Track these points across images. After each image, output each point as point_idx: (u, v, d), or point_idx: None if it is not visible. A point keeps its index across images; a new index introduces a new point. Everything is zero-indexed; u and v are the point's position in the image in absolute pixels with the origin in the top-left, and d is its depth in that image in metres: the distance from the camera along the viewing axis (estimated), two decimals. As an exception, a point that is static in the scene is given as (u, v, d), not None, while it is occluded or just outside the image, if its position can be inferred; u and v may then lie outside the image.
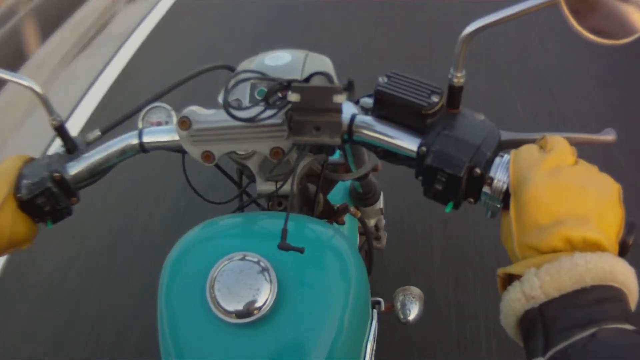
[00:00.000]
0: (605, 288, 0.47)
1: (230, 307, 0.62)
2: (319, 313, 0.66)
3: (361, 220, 1.15)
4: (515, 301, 0.50)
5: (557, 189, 0.52)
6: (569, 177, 0.53)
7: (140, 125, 0.80)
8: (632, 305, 0.49)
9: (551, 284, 0.47)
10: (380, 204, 1.46)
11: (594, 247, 0.49)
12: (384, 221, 1.60)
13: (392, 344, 1.62)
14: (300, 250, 0.63)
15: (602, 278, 0.47)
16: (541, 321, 0.47)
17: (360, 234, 1.32)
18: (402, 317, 1.17)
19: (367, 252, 1.21)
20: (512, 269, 0.52)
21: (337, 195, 1.35)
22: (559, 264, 0.47)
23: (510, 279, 0.53)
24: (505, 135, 0.62)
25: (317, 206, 0.95)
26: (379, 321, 0.91)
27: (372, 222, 1.51)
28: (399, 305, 1.18)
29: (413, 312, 1.18)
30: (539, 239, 0.51)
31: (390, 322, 1.21)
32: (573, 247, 0.49)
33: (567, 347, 0.44)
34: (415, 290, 1.20)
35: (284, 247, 0.62)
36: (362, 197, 1.38)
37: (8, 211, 0.67)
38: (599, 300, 0.46)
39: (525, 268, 0.50)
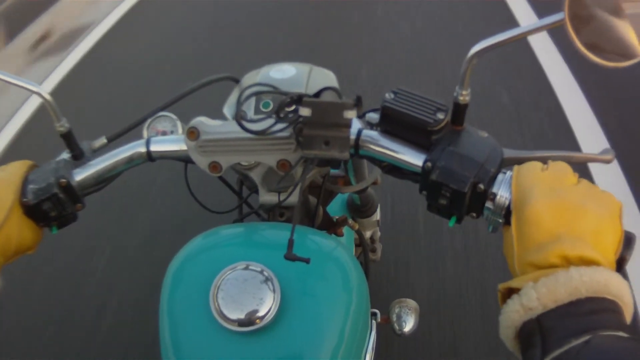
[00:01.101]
0: (599, 300, 0.49)
1: (233, 316, 0.62)
2: (320, 323, 0.67)
3: (358, 232, 1.16)
4: (514, 313, 0.52)
5: (558, 208, 0.54)
6: (570, 195, 0.54)
7: (145, 134, 0.80)
8: (628, 317, 0.50)
9: (548, 295, 0.49)
10: (377, 215, 1.47)
11: (589, 263, 0.51)
12: (379, 233, 1.62)
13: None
14: (307, 261, 0.63)
15: (597, 290, 0.49)
16: (539, 331, 0.49)
17: (356, 245, 1.33)
18: (397, 328, 1.19)
19: (363, 264, 1.22)
20: (512, 283, 0.54)
21: (335, 206, 1.36)
22: (555, 277, 0.50)
23: (510, 293, 0.54)
24: (508, 153, 0.63)
25: (317, 218, 0.96)
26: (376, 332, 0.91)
27: (368, 234, 1.52)
28: (394, 317, 1.20)
29: (408, 324, 1.19)
30: (537, 256, 0.53)
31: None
32: (570, 264, 0.51)
33: (562, 353, 0.46)
34: (411, 303, 1.21)
35: (290, 257, 0.63)
36: (360, 209, 1.40)
37: (15, 218, 0.67)
38: (594, 310, 0.48)
39: (524, 282, 0.52)
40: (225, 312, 0.63)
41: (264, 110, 0.74)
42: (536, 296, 0.50)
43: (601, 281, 0.49)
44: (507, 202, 0.58)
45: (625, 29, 0.56)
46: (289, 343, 0.65)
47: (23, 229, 0.69)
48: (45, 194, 0.69)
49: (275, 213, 0.84)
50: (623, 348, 0.45)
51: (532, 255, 0.53)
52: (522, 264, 0.54)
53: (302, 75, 0.80)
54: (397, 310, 1.19)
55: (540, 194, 0.55)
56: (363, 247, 1.19)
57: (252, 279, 0.65)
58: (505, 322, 0.53)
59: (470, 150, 0.61)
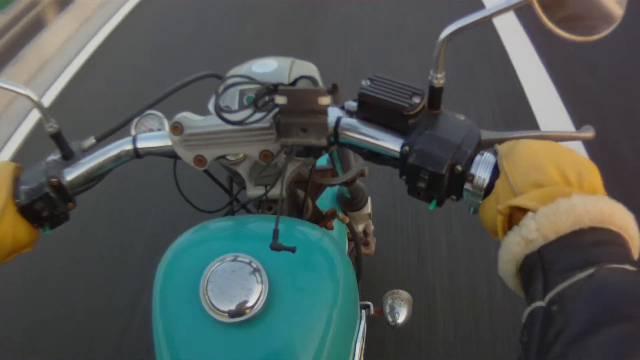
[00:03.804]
0: (603, 231, 0.46)
1: (223, 307, 0.63)
2: (308, 312, 0.67)
3: (349, 226, 1.16)
4: (515, 245, 0.49)
5: (547, 147, 0.54)
6: (555, 145, 0.55)
7: (133, 132, 0.81)
8: (635, 252, 0.48)
9: (548, 226, 0.47)
10: (368, 208, 1.48)
11: (589, 189, 0.49)
12: (372, 227, 1.62)
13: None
14: (292, 250, 0.64)
15: (601, 220, 0.46)
16: (540, 265, 0.46)
17: (349, 239, 1.33)
18: (390, 320, 1.18)
19: (356, 258, 1.22)
20: (516, 201, 0.51)
21: (325, 200, 1.37)
22: (556, 206, 0.47)
23: (510, 224, 0.52)
24: (486, 134, 0.64)
25: (305, 211, 0.97)
26: (368, 324, 0.92)
27: (360, 228, 1.52)
28: (387, 309, 1.19)
29: (402, 316, 1.19)
30: (536, 172, 0.51)
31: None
32: (569, 184, 0.49)
33: (565, 288, 0.43)
34: (404, 294, 1.21)
35: (275, 247, 0.63)
36: (350, 202, 1.40)
37: (8, 216, 0.67)
38: (598, 242, 0.45)
39: (527, 201, 0.49)
40: (215, 303, 0.63)
41: (247, 104, 0.75)
42: (535, 227, 0.47)
43: (605, 210, 0.46)
44: (485, 183, 0.58)
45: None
46: (278, 332, 0.65)
47: (17, 228, 0.69)
48: (37, 194, 0.70)
49: (263, 206, 0.85)
50: (630, 282, 0.42)
51: (531, 174, 0.50)
52: (522, 187, 0.51)
53: (284, 68, 0.81)
54: (389, 302, 1.18)
55: (527, 141, 0.55)
56: (355, 241, 1.20)
57: (240, 269, 0.65)
58: (505, 255, 0.51)
59: (446, 133, 0.61)
